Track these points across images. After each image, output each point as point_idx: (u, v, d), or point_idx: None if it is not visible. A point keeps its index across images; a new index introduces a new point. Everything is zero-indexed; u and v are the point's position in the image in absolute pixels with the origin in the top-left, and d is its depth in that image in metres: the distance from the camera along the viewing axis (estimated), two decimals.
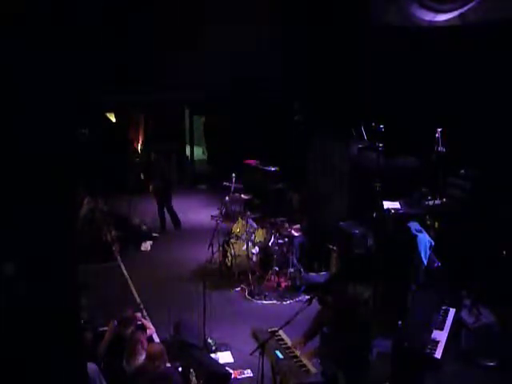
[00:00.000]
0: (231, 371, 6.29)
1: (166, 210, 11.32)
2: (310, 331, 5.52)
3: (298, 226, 9.27)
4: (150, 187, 11.46)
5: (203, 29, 12.78)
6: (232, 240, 9.14)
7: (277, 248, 8.76)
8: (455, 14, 8.96)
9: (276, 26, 12.89)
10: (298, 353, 5.21)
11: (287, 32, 12.56)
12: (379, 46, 10.50)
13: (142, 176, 13.68)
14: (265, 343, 5.12)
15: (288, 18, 12.53)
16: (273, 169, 11.09)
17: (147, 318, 7.40)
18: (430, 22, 9.45)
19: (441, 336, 5.57)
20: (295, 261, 8.79)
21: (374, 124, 8.83)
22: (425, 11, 9.53)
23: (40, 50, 2.82)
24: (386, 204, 8.05)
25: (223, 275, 9.05)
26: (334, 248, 8.65)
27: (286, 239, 8.82)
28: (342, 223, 9.17)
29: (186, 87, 13.32)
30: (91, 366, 5.25)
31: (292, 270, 8.70)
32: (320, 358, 5.23)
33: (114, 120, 15.57)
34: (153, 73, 12.91)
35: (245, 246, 8.91)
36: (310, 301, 5.34)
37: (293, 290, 8.46)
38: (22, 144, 2.85)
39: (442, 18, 9.23)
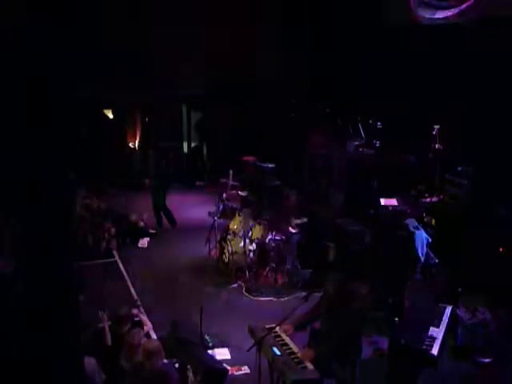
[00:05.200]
0: (228, 368, 6.29)
1: (161, 210, 11.28)
2: (301, 320, 5.56)
3: (295, 222, 9.26)
4: (147, 182, 11.42)
5: (203, 28, 12.78)
6: (229, 237, 9.14)
7: (274, 245, 8.76)
8: (455, 11, 8.97)
9: (276, 26, 12.90)
10: (295, 350, 5.22)
11: (287, 31, 12.56)
12: (378, 44, 10.51)
13: (139, 172, 13.69)
14: (262, 340, 5.13)
15: (288, 18, 12.53)
16: (270, 166, 11.09)
17: (144, 314, 7.40)
18: (430, 19, 9.46)
19: (437, 333, 5.58)
20: (292, 258, 8.80)
21: (371, 121, 8.85)
22: (424, 8, 9.53)
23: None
24: (383, 201, 8.06)
25: (220, 272, 9.06)
26: (331, 245, 8.66)
27: (283, 236, 8.83)
28: (339, 220, 9.20)
29: (184, 84, 13.35)
30: (90, 361, 5.26)
31: (289, 266, 8.71)
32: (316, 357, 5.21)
33: (111, 116, 15.56)
34: (152, 70, 12.92)
35: (242, 243, 8.91)
36: (306, 297, 5.36)
37: (290, 287, 8.47)
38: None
39: (441, 15, 9.24)
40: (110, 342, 5.88)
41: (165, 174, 11.52)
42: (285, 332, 5.40)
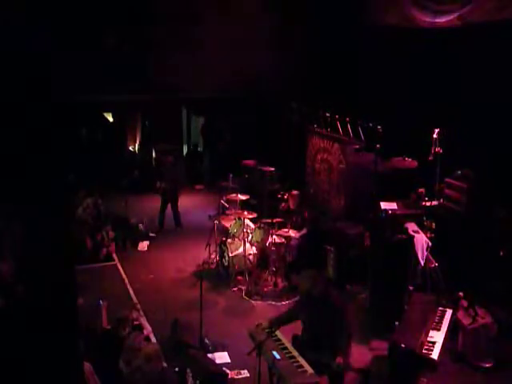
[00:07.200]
0: (228, 371, 6.28)
1: (172, 211, 11.30)
2: (279, 317, 5.70)
3: (294, 226, 9.24)
4: (159, 186, 11.34)
5: (203, 28, 12.78)
6: (229, 240, 9.12)
7: (274, 248, 8.75)
8: (455, 15, 8.98)
9: (275, 26, 12.90)
10: (295, 354, 5.21)
11: (286, 32, 12.56)
12: (378, 47, 10.52)
13: (138, 174, 13.71)
14: (262, 343, 5.12)
15: (287, 18, 12.54)
16: (270, 169, 11.08)
17: (144, 317, 7.39)
18: (430, 22, 9.47)
19: (438, 337, 5.58)
20: (292, 261, 8.78)
21: (371, 124, 8.85)
22: (424, 12, 9.54)
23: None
24: (383, 205, 8.04)
25: (220, 275, 9.04)
26: (331, 248, 8.64)
27: (283, 239, 8.81)
28: (339, 223, 9.18)
29: (184, 87, 13.33)
30: (85, 366, 5.25)
31: (289, 270, 8.69)
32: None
33: (111, 119, 15.56)
34: (152, 72, 12.92)
35: (242, 247, 8.90)
36: None
37: (290, 291, 8.45)
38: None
39: (441, 19, 9.26)
40: (106, 324, 5.98)
41: (182, 179, 11.56)
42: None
